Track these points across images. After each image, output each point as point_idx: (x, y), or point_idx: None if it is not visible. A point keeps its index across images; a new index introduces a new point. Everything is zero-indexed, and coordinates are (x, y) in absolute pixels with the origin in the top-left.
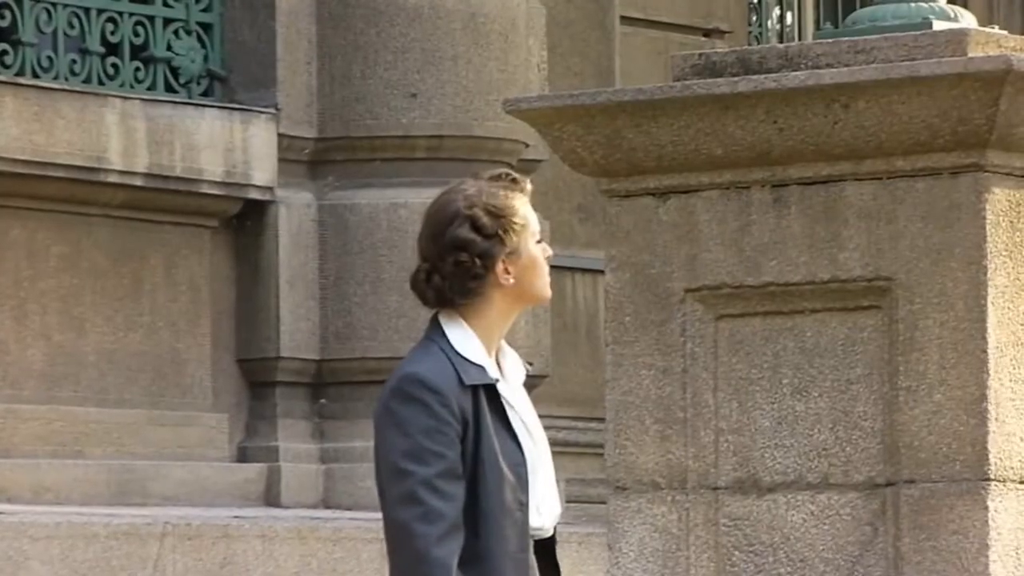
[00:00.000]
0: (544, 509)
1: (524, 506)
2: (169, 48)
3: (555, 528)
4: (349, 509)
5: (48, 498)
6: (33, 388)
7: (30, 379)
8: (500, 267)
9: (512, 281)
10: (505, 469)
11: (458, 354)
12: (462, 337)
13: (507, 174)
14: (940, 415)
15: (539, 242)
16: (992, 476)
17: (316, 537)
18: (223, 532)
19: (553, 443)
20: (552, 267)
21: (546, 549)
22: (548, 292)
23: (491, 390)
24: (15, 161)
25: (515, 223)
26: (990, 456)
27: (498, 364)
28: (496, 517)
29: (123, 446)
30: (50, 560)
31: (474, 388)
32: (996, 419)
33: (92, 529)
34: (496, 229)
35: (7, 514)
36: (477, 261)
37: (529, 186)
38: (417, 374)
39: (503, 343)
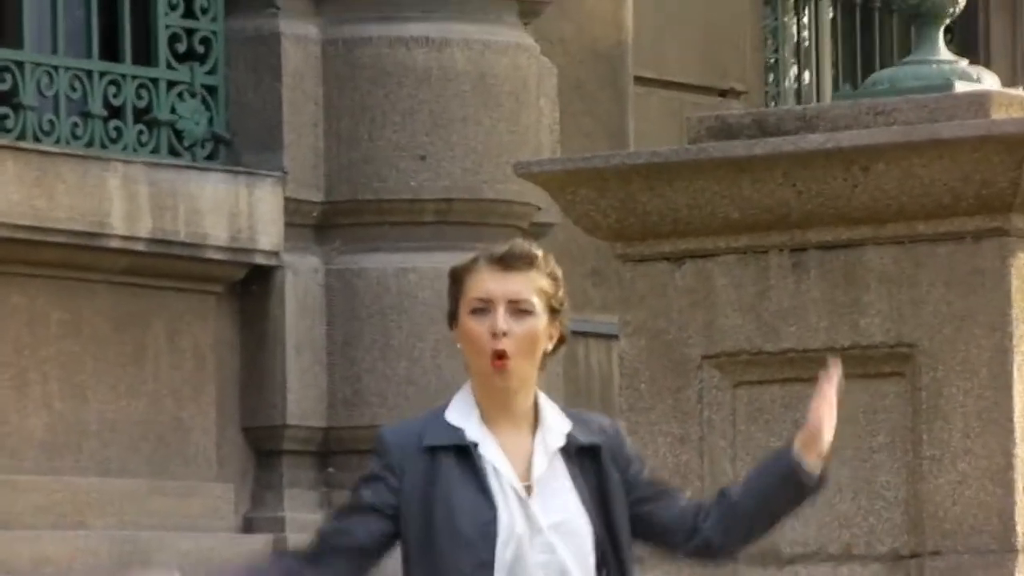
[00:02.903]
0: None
1: (487, 566)
2: (173, 111)
3: None
4: None
5: (49, 570)
6: (33, 458)
7: (30, 449)
8: (453, 334)
9: (457, 341)
10: (464, 528)
11: (441, 417)
12: (459, 401)
13: (501, 246)
14: (965, 485)
15: (479, 312)
16: (1020, 548)
17: None
18: None
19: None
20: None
21: None
22: (487, 368)
23: (464, 451)
24: (16, 227)
25: (451, 290)
26: (1017, 527)
27: (535, 430)
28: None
29: (126, 516)
30: None
31: (441, 449)
32: (1023, 489)
33: None
34: (448, 297)
35: None
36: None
37: (516, 255)
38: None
39: (547, 414)
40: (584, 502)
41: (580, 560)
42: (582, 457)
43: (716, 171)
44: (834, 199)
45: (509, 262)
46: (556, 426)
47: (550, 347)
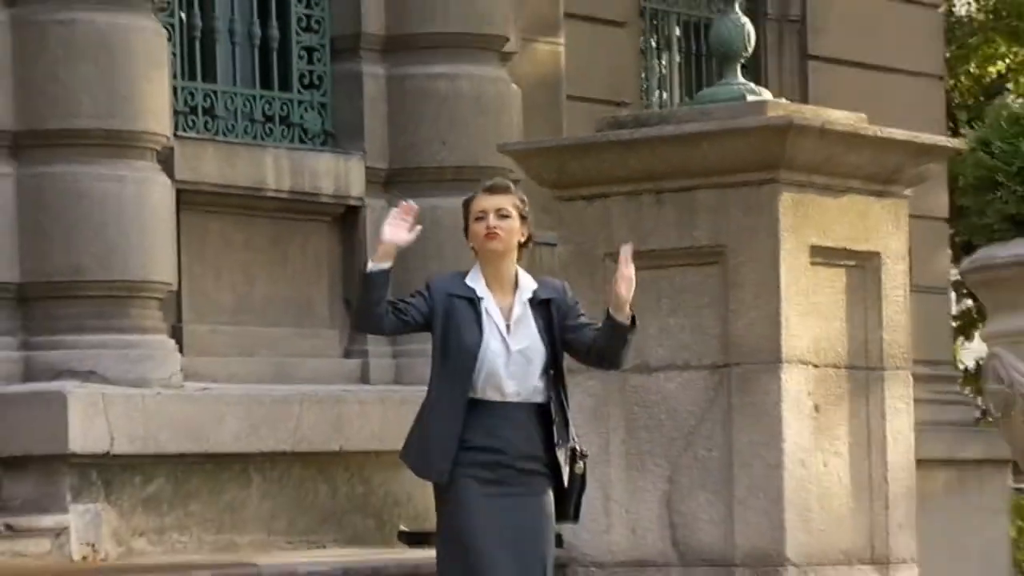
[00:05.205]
0: (510, 382)
1: (469, 371)
2: (301, 118)
3: (540, 398)
4: (411, 384)
5: (236, 380)
6: (226, 318)
7: (224, 313)
8: (467, 240)
9: (469, 241)
10: (463, 345)
11: (462, 278)
12: (473, 273)
13: (489, 181)
14: (754, 326)
15: (479, 219)
16: (783, 360)
17: (392, 402)
18: (337, 400)
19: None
20: (535, 243)
21: (542, 411)
22: (486, 245)
23: (471, 301)
24: (214, 185)
25: (464, 212)
26: (782, 348)
27: (515, 291)
28: (450, 372)
29: (278, 350)
30: (236, 418)
31: (454, 295)
32: (786, 328)
33: (261, 399)
34: (463, 218)
35: (211, 389)
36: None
37: (498, 186)
38: (429, 278)
39: (523, 280)
40: (540, 334)
41: (535, 369)
42: (541, 306)
43: (613, 148)
44: (681, 163)
45: (495, 189)
46: (527, 287)
47: (522, 240)
